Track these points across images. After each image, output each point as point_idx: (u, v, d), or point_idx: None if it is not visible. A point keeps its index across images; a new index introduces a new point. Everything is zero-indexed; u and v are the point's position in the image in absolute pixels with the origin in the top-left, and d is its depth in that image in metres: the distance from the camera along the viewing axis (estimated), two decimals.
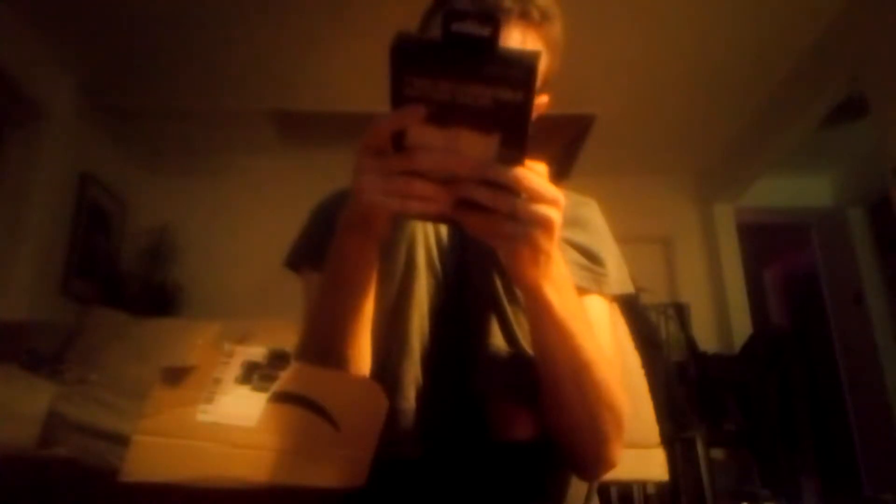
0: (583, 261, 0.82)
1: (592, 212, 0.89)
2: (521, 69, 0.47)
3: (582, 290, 0.78)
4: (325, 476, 0.58)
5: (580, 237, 0.83)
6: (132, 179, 4.16)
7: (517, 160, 0.51)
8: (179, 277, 3.98)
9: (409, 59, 0.48)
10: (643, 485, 2.47)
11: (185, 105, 3.67)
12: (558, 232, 0.56)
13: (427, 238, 0.78)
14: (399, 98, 0.49)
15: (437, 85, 0.47)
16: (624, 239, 0.96)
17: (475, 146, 0.50)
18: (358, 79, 3.36)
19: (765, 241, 5.06)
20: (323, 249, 0.67)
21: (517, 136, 0.50)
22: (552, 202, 0.54)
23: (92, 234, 3.69)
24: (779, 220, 4.86)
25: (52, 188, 3.28)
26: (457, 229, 0.78)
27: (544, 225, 0.55)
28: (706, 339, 3.98)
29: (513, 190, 0.52)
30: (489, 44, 0.46)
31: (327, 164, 3.75)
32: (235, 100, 3.62)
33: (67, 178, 3.46)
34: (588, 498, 0.80)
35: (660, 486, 2.61)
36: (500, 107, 0.48)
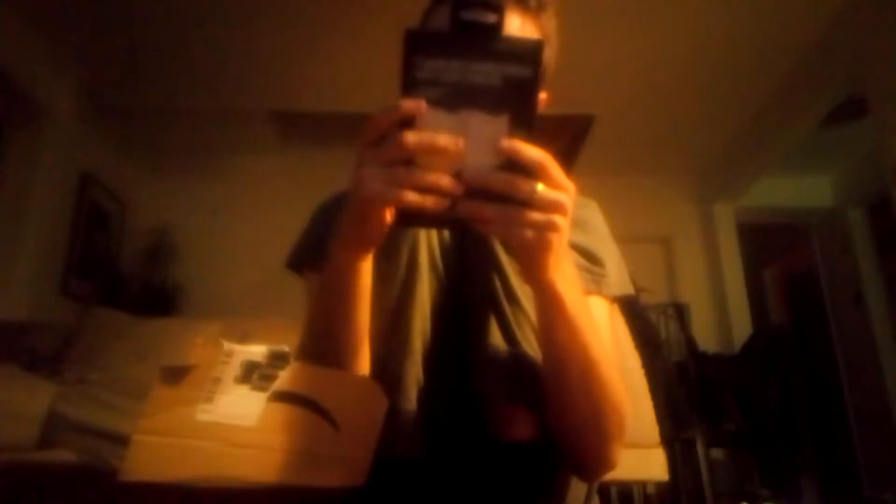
0: (583, 262, 0.82)
1: (593, 213, 0.89)
2: (528, 44, 0.50)
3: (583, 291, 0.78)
4: (324, 476, 0.58)
5: (580, 238, 0.83)
6: (132, 179, 4.17)
7: (530, 142, 0.51)
8: (179, 277, 3.99)
9: (419, 42, 0.49)
10: (643, 485, 2.47)
11: (185, 105, 3.67)
12: (570, 222, 0.55)
13: (430, 238, 0.78)
14: (410, 81, 0.49)
15: (447, 66, 0.49)
16: (624, 239, 0.96)
17: (485, 130, 0.50)
18: (358, 79, 3.36)
19: (765, 241, 5.06)
20: (324, 250, 0.67)
21: (526, 115, 0.50)
22: (566, 189, 0.53)
23: (92, 234, 3.69)
24: (779, 220, 4.87)
25: (52, 188, 3.28)
26: (458, 230, 0.78)
27: (562, 212, 0.53)
28: (706, 339, 3.98)
29: (530, 174, 0.51)
30: (495, 30, 0.49)
31: (327, 164, 3.75)
32: (235, 100, 3.62)
33: (67, 178, 3.46)
34: (588, 498, 0.80)
35: (660, 486, 2.61)
36: (510, 84, 0.49)
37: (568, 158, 4.12)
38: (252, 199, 4.25)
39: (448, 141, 0.49)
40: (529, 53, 0.49)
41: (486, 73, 0.49)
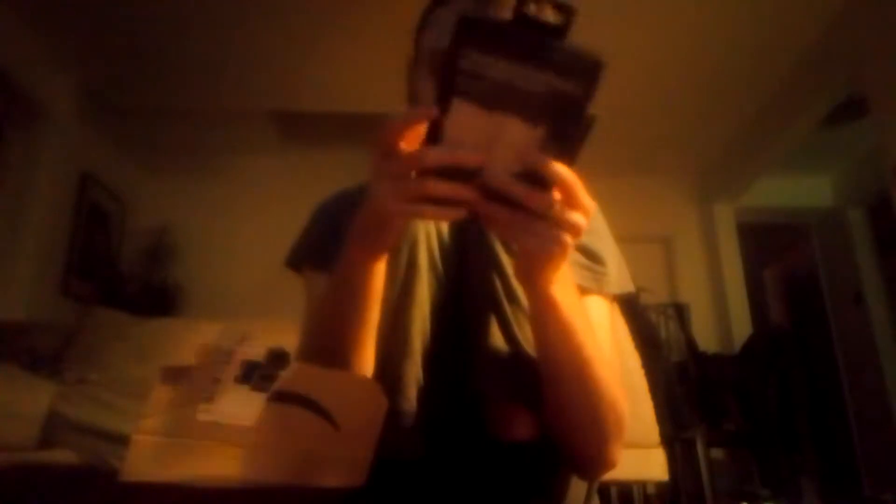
0: (583, 260, 0.82)
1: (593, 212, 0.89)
2: (588, 62, 0.46)
3: (583, 290, 0.78)
4: (324, 476, 0.58)
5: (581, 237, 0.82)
6: (132, 179, 4.17)
7: (562, 160, 0.49)
8: (179, 277, 3.99)
9: (473, 30, 0.45)
10: (643, 485, 2.47)
11: (185, 105, 3.67)
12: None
13: (429, 238, 0.78)
14: (453, 69, 0.46)
15: (495, 63, 0.45)
16: (624, 239, 0.96)
17: (518, 137, 0.48)
18: (358, 79, 3.36)
19: (765, 241, 5.06)
20: (324, 249, 0.67)
21: (566, 132, 0.48)
22: (586, 211, 0.53)
23: (92, 234, 3.69)
24: (779, 220, 4.87)
25: (52, 188, 3.28)
26: (458, 229, 0.78)
27: (575, 232, 0.53)
28: (706, 339, 3.98)
29: (548, 187, 0.50)
30: (560, 33, 0.45)
31: (327, 164, 3.75)
32: (235, 100, 3.62)
33: (67, 178, 3.46)
34: (588, 498, 0.80)
35: (660, 486, 2.61)
36: (555, 98, 0.46)
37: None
38: (252, 199, 4.25)
39: (468, 159, 0.48)
40: (587, 73, 0.45)
41: (536, 81, 0.45)
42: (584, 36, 0.46)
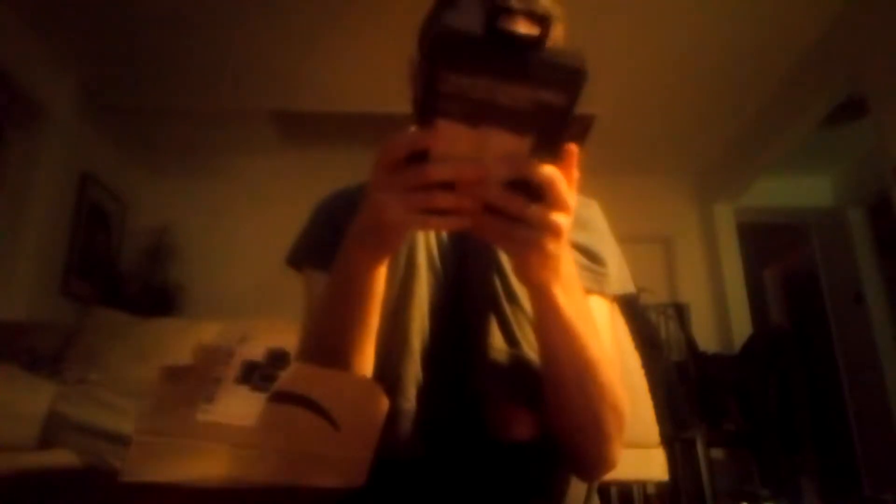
0: (584, 261, 0.82)
1: (594, 212, 0.89)
2: (568, 70, 0.44)
3: (584, 291, 0.78)
4: (325, 476, 0.58)
5: (581, 237, 0.83)
6: (132, 179, 4.17)
7: (553, 164, 0.50)
8: (179, 277, 3.99)
9: (447, 52, 0.43)
10: (643, 485, 2.47)
11: (185, 105, 3.67)
12: (567, 236, 0.56)
13: (427, 238, 0.78)
14: (432, 94, 0.45)
15: (475, 83, 0.44)
16: (624, 239, 0.96)
17: (505, 146, 0.48)
18: (358, 79, 3.37)
19: (765, 241, 5.07)
20: (324, 248, 0.67)
21: (552, 140, 0.48)
22: (565, 210, 0.53)
23: (92, 234, 3.69)
24: (779, 220, 4.87)
25: (52, 188, 3.28)
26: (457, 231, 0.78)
27: (555, 232, 0.54)
28: (706, 339, 3.98)
29: (532, 191, 0.51)
30: (537, 45, 0.43)
31: (327, 164, 3.76)
32: (235, 100, 3.62)
33: (67, 178, 3.46)
34: (588, 498, 0.80)
35: (660, 486, 2.61)
36: (540, 109, 0.45)
37: None
38: (252, 199, 4.25)
39: (472, 172, 0.49)
40: (569, 81, 0.44)
41: (518, 95, 0.44)
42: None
